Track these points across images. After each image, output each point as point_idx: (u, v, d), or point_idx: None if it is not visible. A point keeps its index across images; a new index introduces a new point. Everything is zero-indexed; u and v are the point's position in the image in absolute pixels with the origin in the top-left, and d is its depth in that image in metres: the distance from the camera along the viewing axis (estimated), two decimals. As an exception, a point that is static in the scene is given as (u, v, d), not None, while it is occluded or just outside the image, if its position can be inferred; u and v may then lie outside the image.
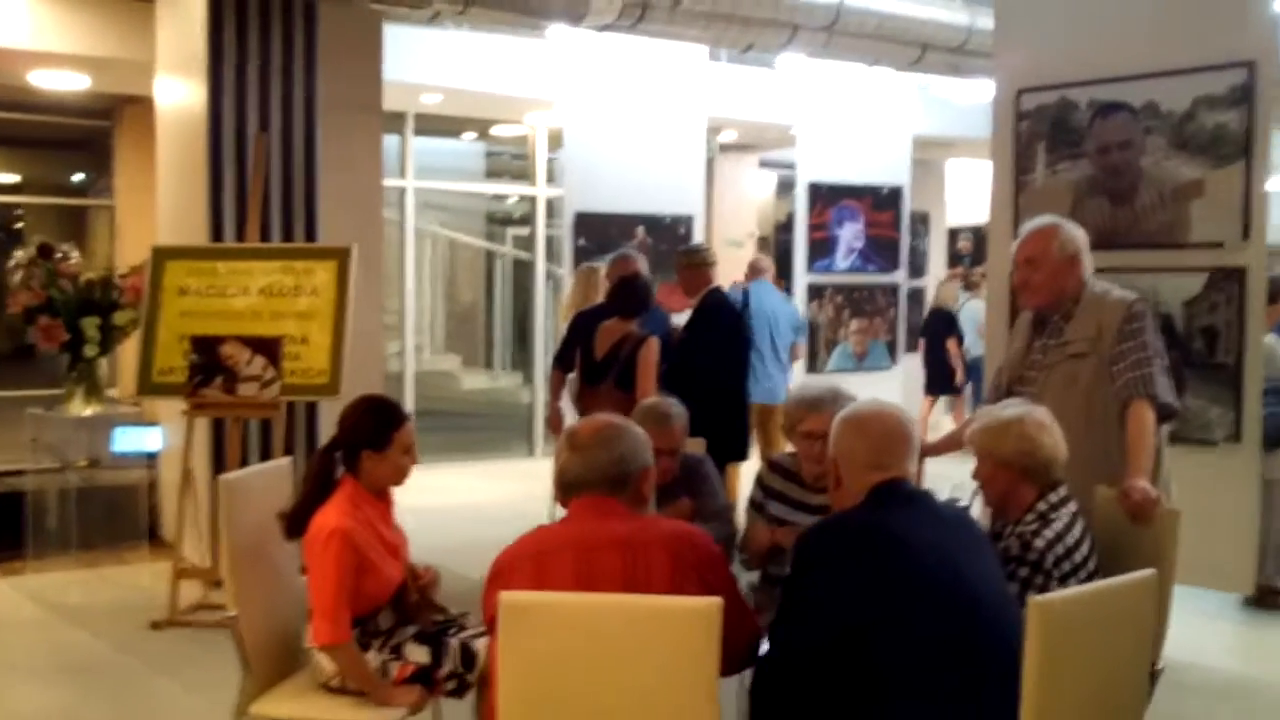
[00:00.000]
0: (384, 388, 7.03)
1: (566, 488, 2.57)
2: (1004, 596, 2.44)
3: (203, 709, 4.36)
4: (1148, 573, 2.25)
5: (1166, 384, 3.53)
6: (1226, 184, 5.02)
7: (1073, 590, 2.15)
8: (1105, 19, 5.40)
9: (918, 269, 13.06)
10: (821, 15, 7.11)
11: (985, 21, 7.44)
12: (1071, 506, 2.95)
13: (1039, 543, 2.78)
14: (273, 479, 3.52)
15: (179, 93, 6.72)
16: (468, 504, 8.61)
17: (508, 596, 2.13)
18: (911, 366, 12.41)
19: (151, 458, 7.22)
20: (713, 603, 2.06)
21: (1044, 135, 5.57)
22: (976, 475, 3.05)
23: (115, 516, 7.03)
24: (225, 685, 3.25)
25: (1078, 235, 3.72)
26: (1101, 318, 3.58)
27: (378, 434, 3.31)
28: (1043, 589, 2.72)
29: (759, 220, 16.50)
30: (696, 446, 4.21)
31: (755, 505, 3.75)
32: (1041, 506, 2.93)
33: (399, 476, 3.39)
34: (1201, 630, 5.36)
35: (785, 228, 17.14)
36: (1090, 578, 2.86)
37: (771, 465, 3.78)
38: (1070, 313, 3.66)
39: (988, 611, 2.31)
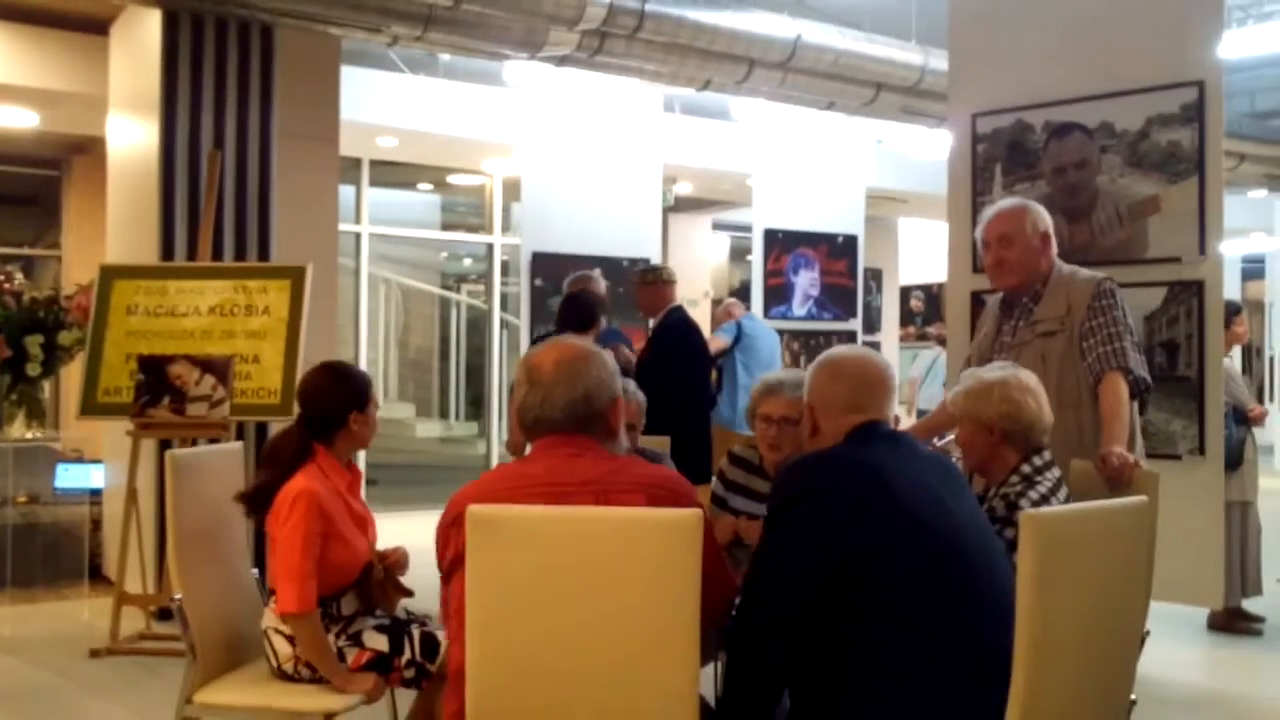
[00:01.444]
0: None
1: (529, 427, 2.37)
2: (989, 533, 2.36)
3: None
4: (1139, 499, 2.19)
5: (1138, 358, 3.51)
6: (1182, 199, 5.08)
7: (1065, 507, 2.08)
8: (1058, 43, 5.48)
9: (871, 324, 13.14)
10: (778, 50, 7.19)
11: (939, 63, 7.57)
12: (1055, 472, 2.90)
13: (1025, 503, 2.72)
14: (223, 461, 3.40)
15: (132, 126, 6.63)
16: (425, 547, 8.39)
17: (477, 509, 2.01)
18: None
19: (95, 494, 7.02)
20: (694, 514, 1.97)
21: (1000, 157, 5.62)
22: (958, 439, 2.99)
23: (55, 554, 6.79)
24: (169, 707, 3.08)
25: (1046, 215, 3.73)
26: (1071, 296, 3.57)
27: (358, 395, 3.28)
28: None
29: (713, 283, 16.61)
30: (660, 444, 4.13)
31: (717, 500, 3.66)
32: (1025, 469, 2.88)
33: (372, 435, 3.34)
34: (1174, 646, 5.31)
35: (739, 293, 17.29)
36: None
37: (733, 458, 3.70)
38: (1039, 294, 3.64)
39: (975, 544, 2.24)
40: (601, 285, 6.06)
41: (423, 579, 7.36)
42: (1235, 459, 5.74)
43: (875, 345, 13.35)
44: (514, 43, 6.51)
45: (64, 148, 10.53)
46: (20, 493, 6.77)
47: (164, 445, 5.67)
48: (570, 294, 5.53)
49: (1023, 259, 3.65)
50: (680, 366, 5.61)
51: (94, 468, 7.07)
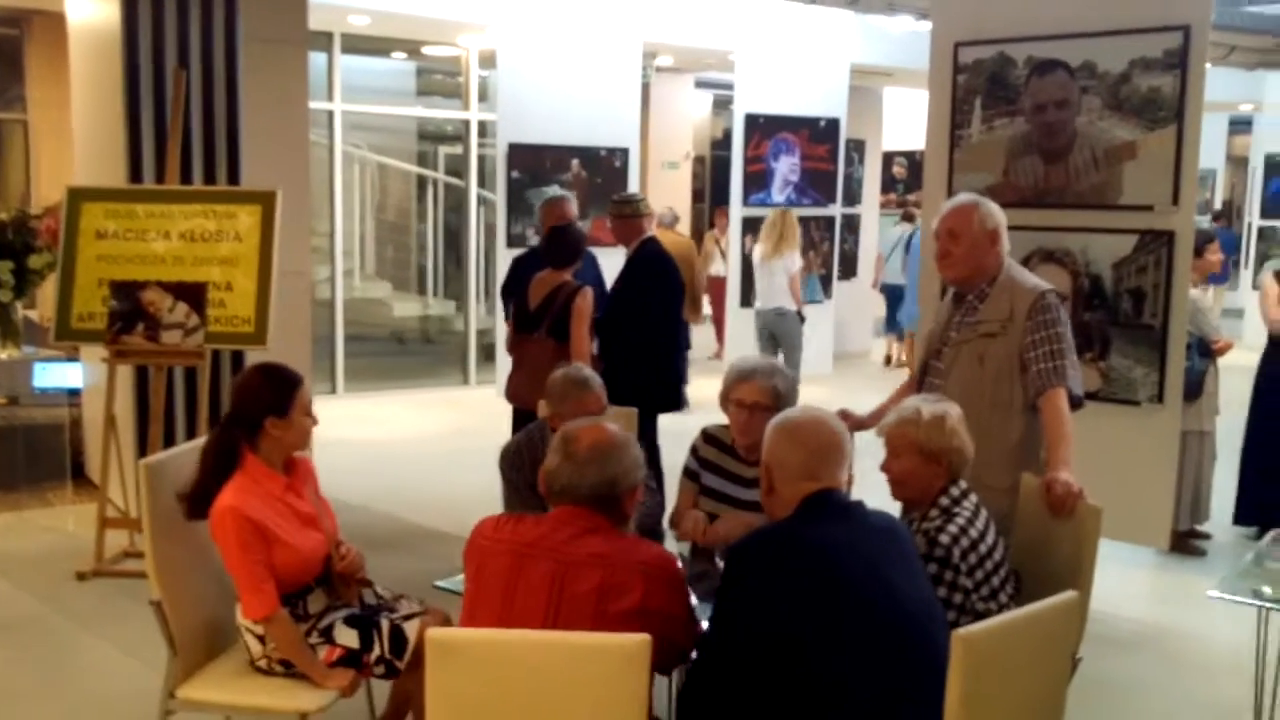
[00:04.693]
0: (313, 320, 6.90)
1: (555, 493, 2.63)
2: (933, 609, 2.48)
3: (135, 671, 4.31)
4: (1068, 595, 2.29)
5: (1078, 377, 3.58)
6: (1159, 147, 5.06)
7: (994, 621, 2.18)
8: (1046, -27, 5.35)
9: (852, 197, 13.08)
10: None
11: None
12: (972, 499, 2.99)
13: (944, 538, 2.81)
14: (194, 458, 3.45)
15: (92, 11, 6.43)
16: (401, 437, 8.56)
17: (434, 634, 2.12)
18: (846, 296, 12.53)
19: (74, 394, 7.08)
20: (641, 640, 2.07)
21: (980, 90, 5.54)
22: (893, 471, 3.05)
23: (37, 455, 6.90)
24: (157, 645, 3.22)
25: (997, 213, 3.73)
26: (1015, 301, 3.60)
27: (278, 400, 3.25)
28: (952, 584, 2.78)
29: (694, 140, 16.40)
30: (628, 416, 4.20)
31: (689, 473, 3.76)
32: (944, 501, 2.96)
33: (304, 439, 3.35)
34: (1120, 579, 5.54)
35: (720, 145, 17.08)
36: (998, 567, 2.92)
37: (706, 436, 3.79)
38: (985, 293, 3.67)
39: (916, 625, 2.35)
40: (574, 207, 6.04)
41: (392, 475, 7.47)
42: (1195, 390, 5.87)
43: (855, 218, 13.33)
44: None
45: (23, 11, 10.19)
46: (-1, 394, 6.82)
47: (140, 370, 5.72)
48: (555, 228, 5.52)
49: (968, 255, 3.66)
50: (653, 297, 5.65)
51: (70, 366, 7.10)
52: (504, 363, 6.76)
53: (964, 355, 3.65)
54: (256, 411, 3.23)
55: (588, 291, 5.27)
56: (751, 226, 10.10)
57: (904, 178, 15.35)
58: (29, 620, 4.95)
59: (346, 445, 7.76)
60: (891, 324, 12.44)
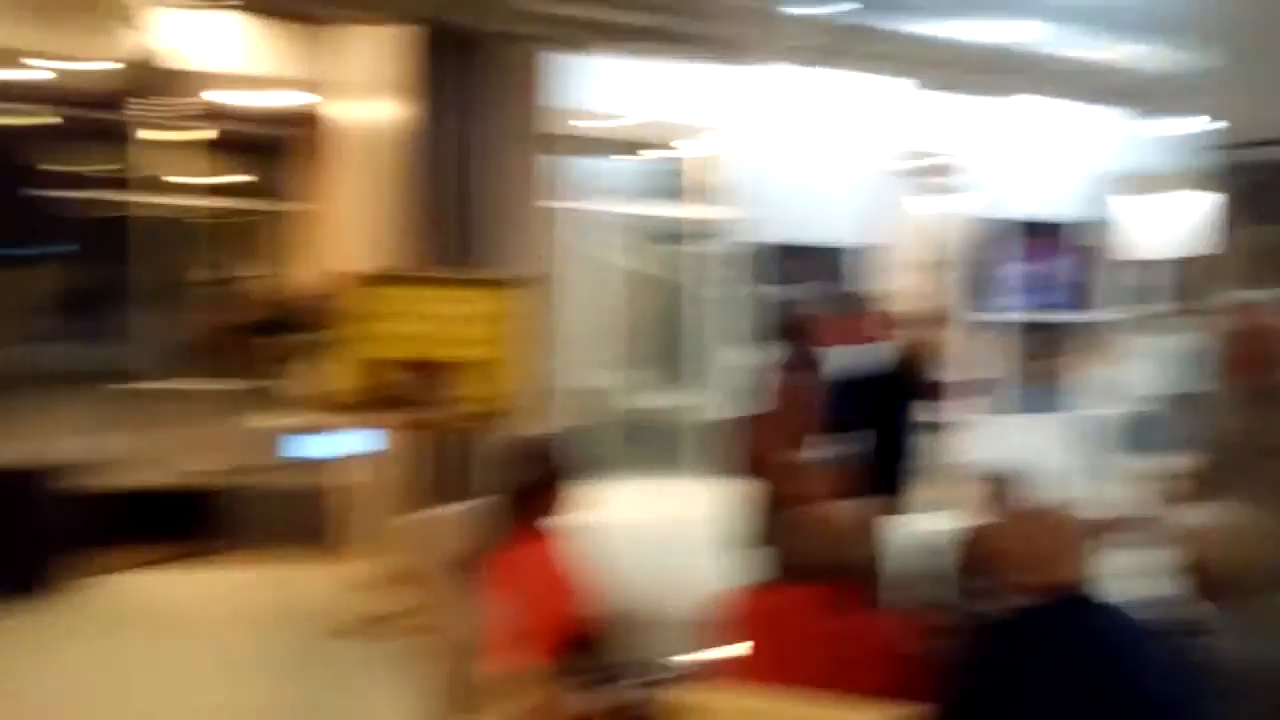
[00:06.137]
0: (547, 408, 7.17)
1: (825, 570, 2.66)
2: (1173, 703, 2.40)
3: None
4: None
5: None
6: None
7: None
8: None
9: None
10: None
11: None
12: None
13: None
14: (464, 517, 3.65)
15: (368, 114, 7.01)
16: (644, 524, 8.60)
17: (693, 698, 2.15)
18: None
19: (333, 463, 7.43)
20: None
21: (1255, 194, 5.35)
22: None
23: (294, 520, 7.25)
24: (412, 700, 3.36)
25: None
26: None
27: (554, 472, 3.50)
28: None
29: (939, 248, 16.11)
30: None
31: None
32: None
33: (565, 507, 3.53)
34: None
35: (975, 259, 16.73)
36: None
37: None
38: None
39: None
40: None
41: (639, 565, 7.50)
42: None
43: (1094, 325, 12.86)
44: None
45: (296, 115, 11.05)
46: (263, 459, 7.23)
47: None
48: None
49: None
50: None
51: (330, 438, 7.47)
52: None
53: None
54: (540, 482, 3.49)
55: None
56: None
57: (1154, 287, 14.73)
58: (291, 667, 5.23)
59: (587, 531, 7.86)
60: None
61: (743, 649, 2.60)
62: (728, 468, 5.72)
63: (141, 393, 7.72)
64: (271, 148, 9.56)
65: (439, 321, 5.90)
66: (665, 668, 3.47)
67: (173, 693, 4.89)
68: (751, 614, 2.64)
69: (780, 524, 3.84)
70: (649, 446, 11.78)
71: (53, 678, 4.86)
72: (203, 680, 5.07)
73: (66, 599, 6.02)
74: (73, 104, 8.32)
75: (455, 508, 4.16)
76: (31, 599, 5.84)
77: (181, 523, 6.89)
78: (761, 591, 2.74)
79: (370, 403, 5.74)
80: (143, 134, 8.65)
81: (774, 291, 8.78)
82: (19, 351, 7.40)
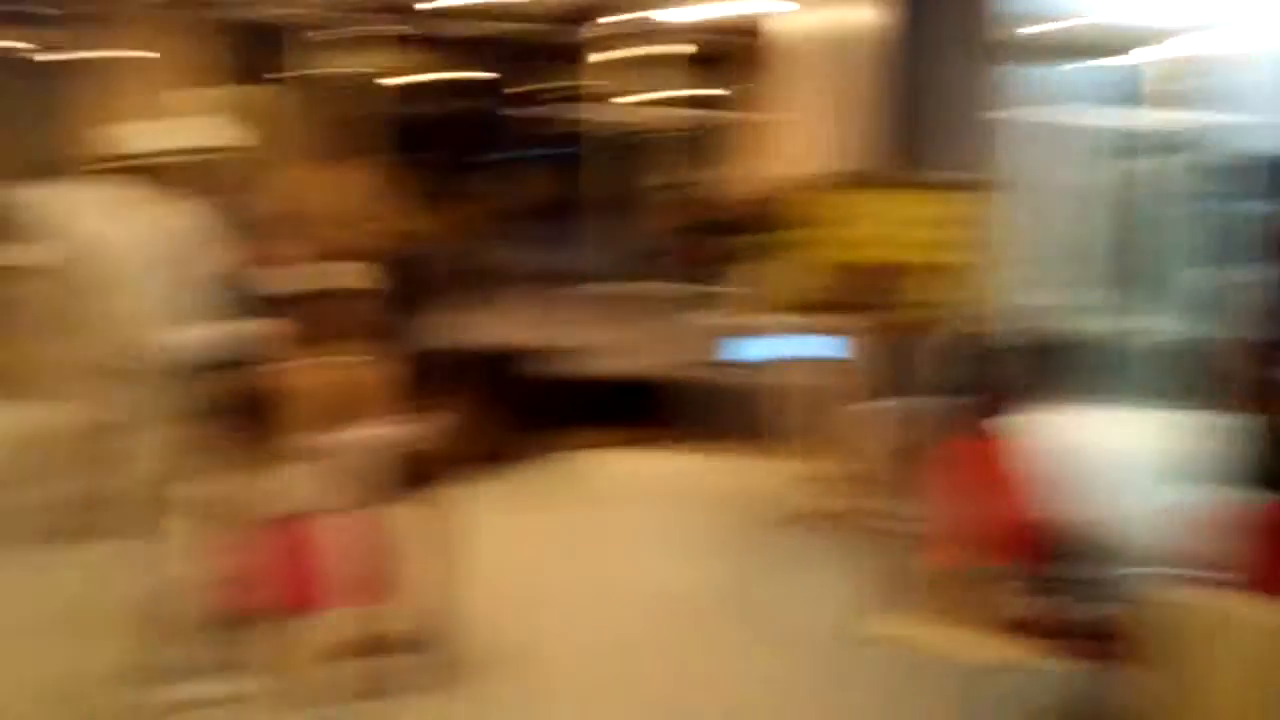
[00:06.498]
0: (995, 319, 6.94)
1: None
2: None
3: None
4: None
5: None
6: None
7: None
8: None
9: None
10: None
11: None
12: None
13: None
14: (909, 414, 3.65)
15: (818, 22, 7.08)
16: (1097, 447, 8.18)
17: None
18: None
19: (776, 363, 7.59)
20: None
21: None
22: None
23: (739, 416, 7.47)
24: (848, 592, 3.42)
25: None
26: None
27: (1002, 377, 3.47)
28: None
29: None
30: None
31: None
32: None
33: (1011, 413, 3.45)
34: None
35: None
36: None
37: None
38: None
39: None
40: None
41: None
42: None
43: None
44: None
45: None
46: (714, 355, 7.53)
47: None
48: None
49: None
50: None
51: (769, 339, 7.64)
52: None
53: None
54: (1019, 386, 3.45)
55: None
56: None
57: None
58: (738, 550, 5.48)
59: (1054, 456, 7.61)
60: None
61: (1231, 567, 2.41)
62: (1196, 396, 5.30)
63: (601, 294, 8.30)
64: (724, 59, 9.87)
65: (893, 225, 5.86)
66: (1118, 585, 3.31)
67: (623, 561, 5.28)
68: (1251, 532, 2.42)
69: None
70: (1100, 371, 11.12)
71: (518, 541, 5.29)
72: (652, 552, 5.44)
73: (536, 471, 6.62)
74: (536, 21, 9.19)
75: (901, 403, 4.16)
76: (504, 469, 6.44)
77: (638, 409, 7.37)
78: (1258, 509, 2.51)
79: (825, 304, 5.82)
80: (594, 55, 9.25)
81: (1256, 206, 7.94)
82: (496, 252, 8.10)
